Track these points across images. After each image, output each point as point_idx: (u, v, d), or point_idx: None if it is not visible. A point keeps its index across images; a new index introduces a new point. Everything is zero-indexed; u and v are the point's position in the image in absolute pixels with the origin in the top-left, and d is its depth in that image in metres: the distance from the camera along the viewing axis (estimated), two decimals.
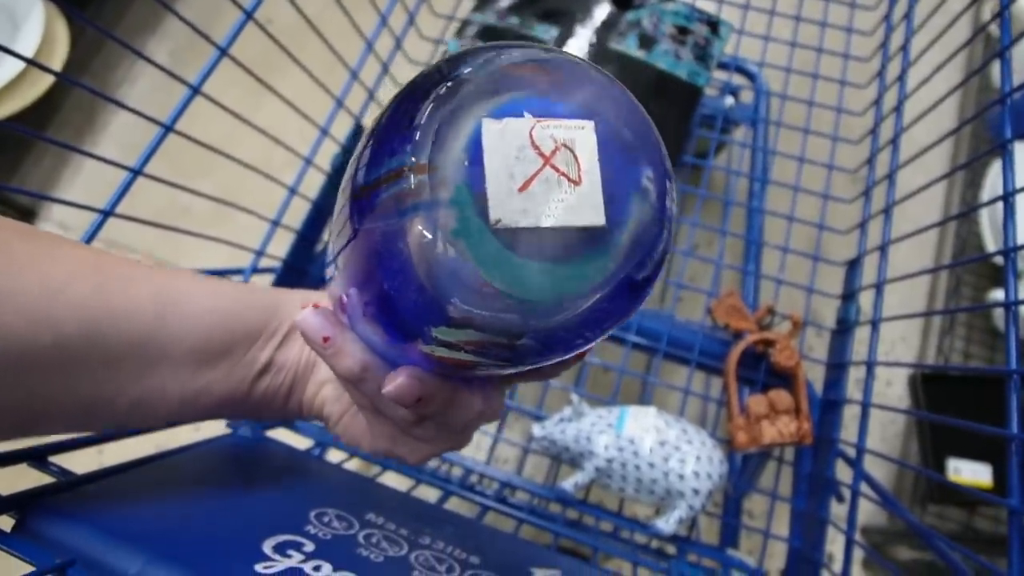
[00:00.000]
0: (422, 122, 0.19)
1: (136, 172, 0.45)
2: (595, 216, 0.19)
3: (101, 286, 0.26)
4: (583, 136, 0.19)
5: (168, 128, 0.45)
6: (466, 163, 0.18)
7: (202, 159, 0.48)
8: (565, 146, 0.19)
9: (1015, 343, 0.38)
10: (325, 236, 0.67)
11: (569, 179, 0.19)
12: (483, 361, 0.20)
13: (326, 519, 0.36)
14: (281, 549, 0.32)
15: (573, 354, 0.21)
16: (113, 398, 0.28)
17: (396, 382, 0.22)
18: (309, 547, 0.33)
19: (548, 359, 0.20)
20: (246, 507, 0.36)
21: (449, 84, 0.19)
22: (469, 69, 0.19)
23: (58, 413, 0.27)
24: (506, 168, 0.18)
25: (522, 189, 0.18)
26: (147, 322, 0.27)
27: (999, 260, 0.41)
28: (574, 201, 0.19)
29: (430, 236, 0.18)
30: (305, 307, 0.25)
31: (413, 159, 0.18)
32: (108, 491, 0.34)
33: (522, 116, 0.19)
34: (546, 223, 0.18)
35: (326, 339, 0.24)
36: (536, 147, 0.19)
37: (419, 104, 0.19)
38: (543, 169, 0.19)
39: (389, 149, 0.19)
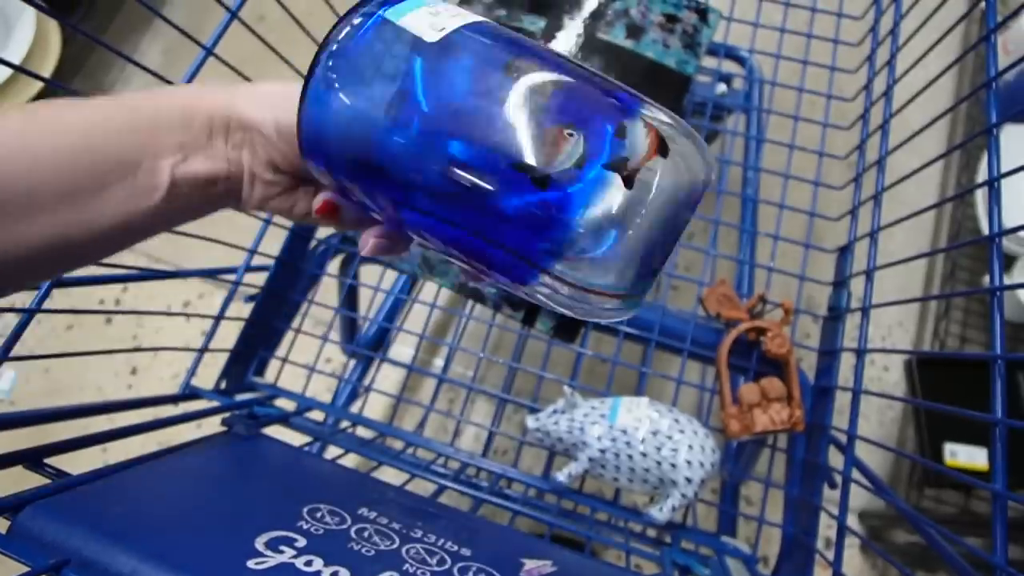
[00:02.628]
0: None
1: None
2: None
3: None
4: None
5: None
6: None
7: None
8: None
9: (1001, 328, 0.38)
10: (319, 233, 0.67)
11: None
12: None
13: (319, 515, 0.37)
14: (273, 545, 0.32)
15: None
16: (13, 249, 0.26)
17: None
18: (301, 543, 0.33)
19: None
20: (240, 504, 0.36)
21: None
22: None
23: None
24: None
25: None
26: None
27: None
28: None
29: None
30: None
31: None
32: (104, 491, 0.35)
33: None
34: None
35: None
36: None
37: None
38: None
39: None
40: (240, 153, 0.30)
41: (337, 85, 0.25)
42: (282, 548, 0.32)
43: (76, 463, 0.37)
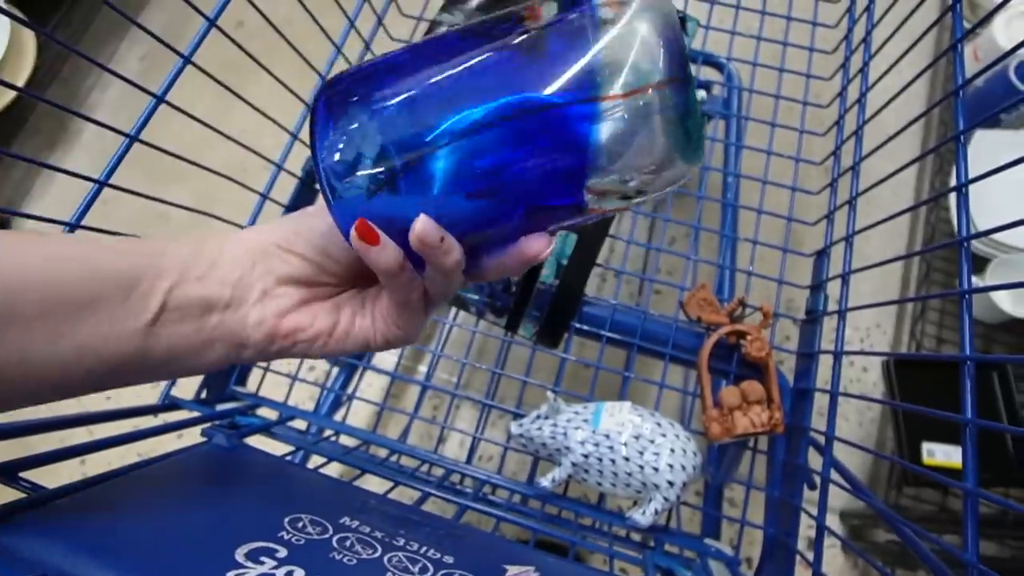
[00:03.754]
0: None
1: (101, 183, 0.44)
2: None
3: None
4: None
5: (132, 138, 0.45)
6: None
7: (177, 164, 0.48)
8: None
9: (970, 330, 0.39)
10: None
11: None
12: None
13: (300, 524, 0.36)
14: (254, 556, 0.32)
15: None
16: None
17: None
18: (282, 553, 0.33)
19: None
20: (220, 515, 0.36)
21: None
22: None
23: None
24: None
25: None
26: None
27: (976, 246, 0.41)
28: None
29: None
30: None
31: None
32: (82, 504, 0.35)
33: None
34: None
35: (442, 239, 0.26)
36: None
37: None
38: None
39: None
40: (251, 278, 0.30)
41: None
42: (263, 559, 0.32)
43: (54, 476, 0.37)
